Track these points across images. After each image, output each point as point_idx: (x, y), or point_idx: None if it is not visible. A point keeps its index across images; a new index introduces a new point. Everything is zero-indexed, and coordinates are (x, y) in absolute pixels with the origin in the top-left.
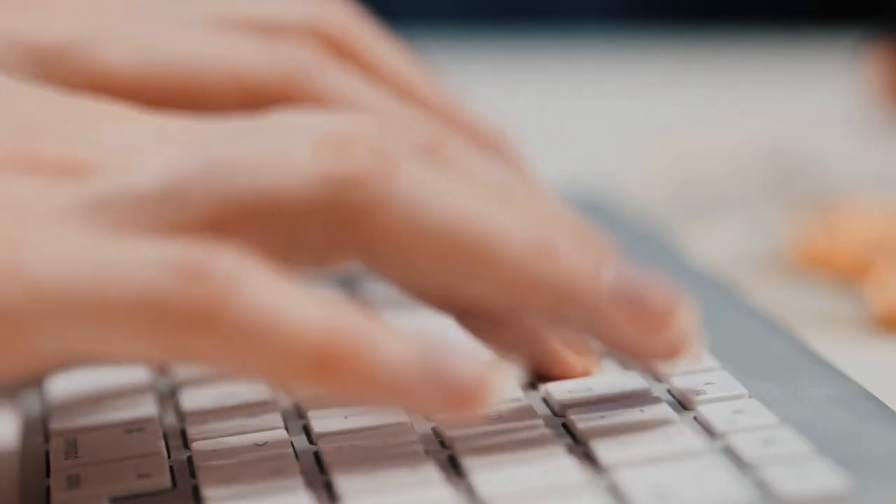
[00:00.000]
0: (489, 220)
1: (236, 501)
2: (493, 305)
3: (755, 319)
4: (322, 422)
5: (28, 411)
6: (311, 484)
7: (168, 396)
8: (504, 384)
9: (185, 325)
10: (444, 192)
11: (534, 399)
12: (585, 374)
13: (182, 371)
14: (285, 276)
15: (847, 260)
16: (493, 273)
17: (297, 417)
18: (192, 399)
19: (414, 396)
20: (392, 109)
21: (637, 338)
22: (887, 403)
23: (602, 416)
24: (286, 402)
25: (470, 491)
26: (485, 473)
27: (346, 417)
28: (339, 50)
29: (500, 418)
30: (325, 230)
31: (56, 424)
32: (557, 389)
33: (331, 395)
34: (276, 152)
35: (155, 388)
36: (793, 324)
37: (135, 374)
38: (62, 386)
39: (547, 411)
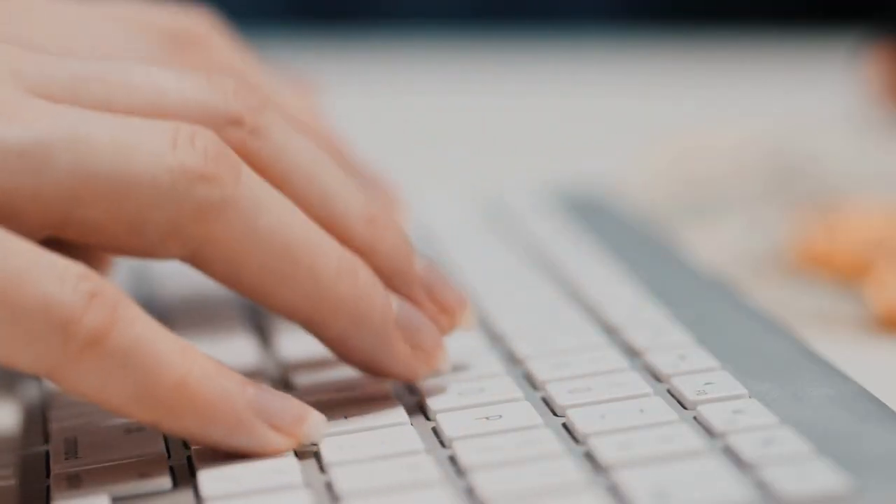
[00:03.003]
0: (310, 237)
1: (236, 501)
2: (297, 318)
3: (755, 319)
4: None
5: (28, 411)
6: (311, 484)
7: None
8: (321, 425)
9: (78, 339)
10: (277, 204)
11: (534, 399)
12: (436, 373)
13: None
14: (146, 313)
15: (847, 260)
16: (305, 289)
17: None
18: None
19: (245, 431)
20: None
21: (410, 362)
22: (887, 403)
23: (602, 416)
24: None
25: (470, 491)
26: (485, 473)
27: (346, 417)
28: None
29: (500, 418)
30: (168, 221)
31: (56, 424)
32: (558, 390)
33: (174, 428)
34: (141, 137)
35: None
36: (793, 324)
37: None
38: None
39: (547, 411)
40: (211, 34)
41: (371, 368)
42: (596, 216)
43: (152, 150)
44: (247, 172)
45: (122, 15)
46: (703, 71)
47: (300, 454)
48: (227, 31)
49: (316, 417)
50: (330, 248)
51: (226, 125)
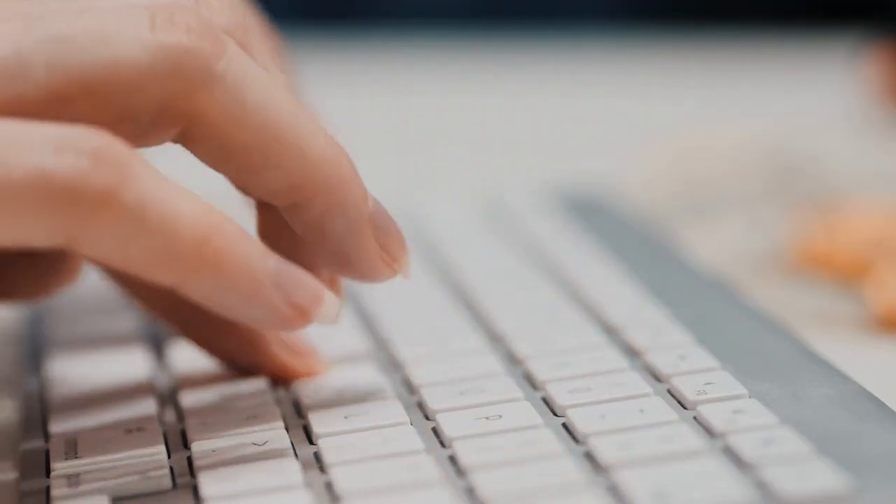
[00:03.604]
0: (298, 118)
1: (236, 501)
2: (278, 199)
3: (755, 319)
4: (322, 422)
5: (28, 411)
6: (311, 484)
7: (168, 396)
8: (335, 306)
9: (85, 203)
10: (264, 81)
11: (534, 399)
12: (310, 374)
13: (183, 371)
14: (163, 173)
15: (847, 260)
16: (292, 169)
17: (297, 417)
18: (192, 399)
19: (262, 301)
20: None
21: (377, 260)
22: (887, 403)
23: (602, 416)
24: (286, 402)
25: (470, 491)
26: (485, 473)
27: (346, 417)
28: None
29: (500, 418)
30: (156, 102)
31: (56, 424)
32: (558, 390)
33: (193, 290)
34: (115, 24)
35: (155, 387)
36: (793, 324)
37: (135, 374)
38: (62, 385)
39: (547, 411)
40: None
41: (340, 259)
42: (596, 216)
43: (130, 33)
44: (232, 47)
45: None
46: (703, 71)
47: (299, 454)
48: (263, 27)
49: (331, 299)
50: (317, 129)
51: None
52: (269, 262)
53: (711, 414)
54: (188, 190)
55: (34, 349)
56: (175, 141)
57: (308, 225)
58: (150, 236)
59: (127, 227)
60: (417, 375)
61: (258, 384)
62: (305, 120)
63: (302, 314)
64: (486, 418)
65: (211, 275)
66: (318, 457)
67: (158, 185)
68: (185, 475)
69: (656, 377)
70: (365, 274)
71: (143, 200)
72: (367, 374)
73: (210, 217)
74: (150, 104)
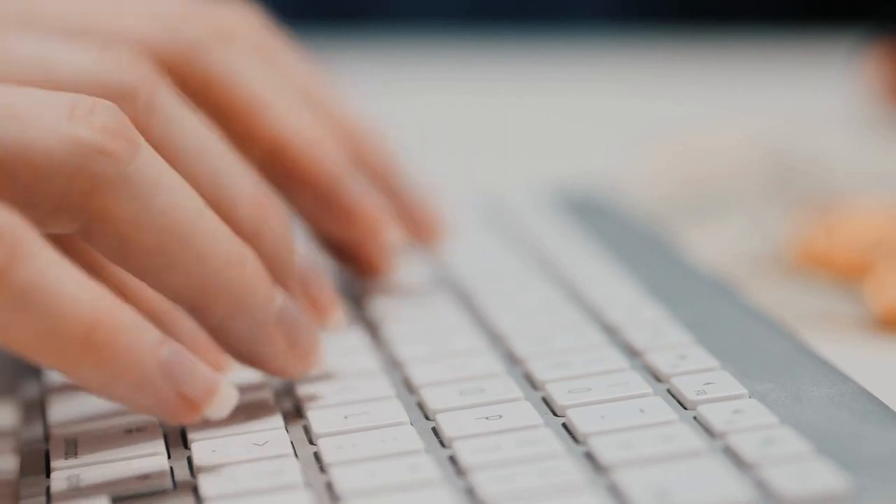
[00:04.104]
0: (203, 222)
1: (236, 501)
2: (180, 301)
3: (755, 319)
4: (322, 422)
5: (28, 411)
6: (311, 484)
7: None
8: (230, 400)
9: None
10: (173, 183)
11: (534, 399)
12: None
13: None
14: (60, 253)
15: (847, 260)
16: (192, 273)
17: (297, 417)
18: None
19: (150, 392)
20: None
21: (286, 359)
22: (887, 403)
23: (602, 416)
24: (286, 402)
25: (470, 491)
26: (485, 473)
27: (346, 417)
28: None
29: (500, 418)
30: (60, 193)
31: (56, 424)
32: (558, 390)
33: (78, 377)
34: (35, 108)
35: None
36: (793, 324)
37: None
38: (62, 386)
39: (547, 411)
40: (251, 31)
41: (247, 360)
42: (596, 216)
43: (48, 120)
44: (145, 149)
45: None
46: (703, 71)
47: (299, 454)
48: (273, 29)
49: (226, 392)
50: (221, 234)
51: (119, 99)
52: (161, 351)
53: (711, 414)
54: (82, 275)
55: None
56: (75, 234)
57: (212, 327)
58: (34, 320)
59: (10, 307)
60: (417, 375)
61: (258, 384)
62: (209, 223)
63: (192, 407)
64: (486, 418)
65: (96, 363)
66: (318, 457)
67: (52, 267)
68: (185, 475)
69: (656, 377)
70: (275, 373)
71: (31, 282)
72: (367, 374)
73: (100, 305)
74: (54, 194)
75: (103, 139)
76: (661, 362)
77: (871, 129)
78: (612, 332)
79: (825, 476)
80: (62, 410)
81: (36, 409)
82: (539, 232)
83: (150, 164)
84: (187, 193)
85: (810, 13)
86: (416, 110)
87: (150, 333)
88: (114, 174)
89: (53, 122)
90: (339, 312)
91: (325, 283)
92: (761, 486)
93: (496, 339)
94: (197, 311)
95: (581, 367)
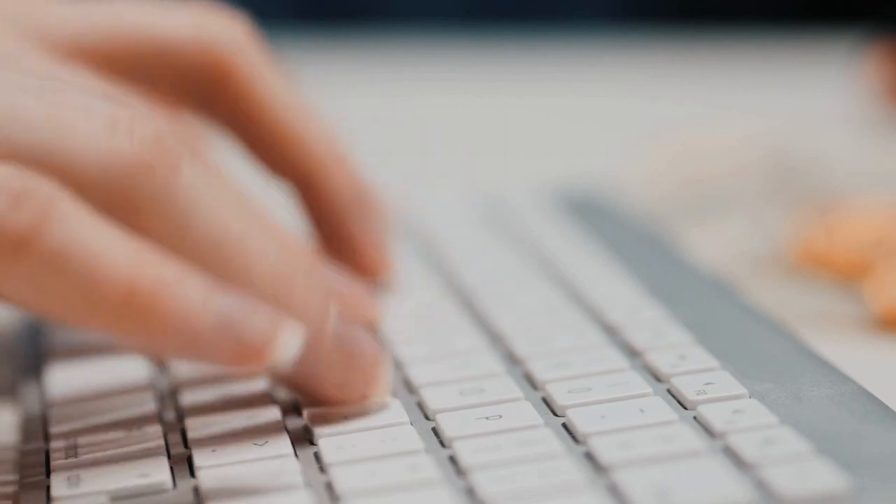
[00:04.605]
0: (247, 236)
1: (236, 501)
2: None
3: (755, 319)
4: (322, 422)
5: (28, 411)
6: (311, 484)
7: (168, 396)
8: (291, 344)
9: (1, 243)
10: (214, 199)
11: (534, 399)
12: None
13: (182, 371)
14: (96, 214)
15: (847, 260)
16: (239, 283)
17: (297, 417)
18: (192, 398)
19: (203, 345)
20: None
21: (340, 376)
22: (887, 403)
23: (602, 416)
24: (286, 402)
25: (470, 491)
26: (485, 473)
27: (346, 417)
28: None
29: (500, 418)
30: (101, 206)
31: (56, 424)
32: (558, 390)
33: (125, 337)
34: (76, 119)
35: (155, 387)
36: (793, 324)
37: (135, 374)
38: (62, 386)
39: (547, 411)
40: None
41: (301, 382)
42: (596, 216)
43: (87, 133)
44: (187, 163)
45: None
46: (704, 70)
47: (299, 454)
48: (260, 42)
49: (288, 335)
50: (269, 244)
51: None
52: (210, 302)
53: (711, 414)
54: (119, 232)
55: (35, 349)
56: None
57: None
58: (70, 284)
59: (45, 273)
60: (417, 375)
61: (258, 384)
62: (256, 235)
63: (254, 354)
64: (486, 418)
65: (140, 323)
66: (318, 457)
67: (85, 228)
68: (185, 475)
69: (656, 377)
70: (333, 397)
71: (63, 245)
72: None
73: (139, 261)
74: (95, 206)
75: (144, 153)
76: (661, 362)
77: (871, 129)
78: (612, 332)
79: (825, 476)
80: (62, 410)
81: (36, 409)
82: (539, 232)
83: (192, 177)
84: (232, 207)
85: (810, 13)
86: (416, 110)
87: (198, 284)
88: (153, 190)
89: (94, 134)
90: (379, 374)
91: (369, 349)
92: (761, 486)
93: (496, 339)
94: None
95: (581, 367)
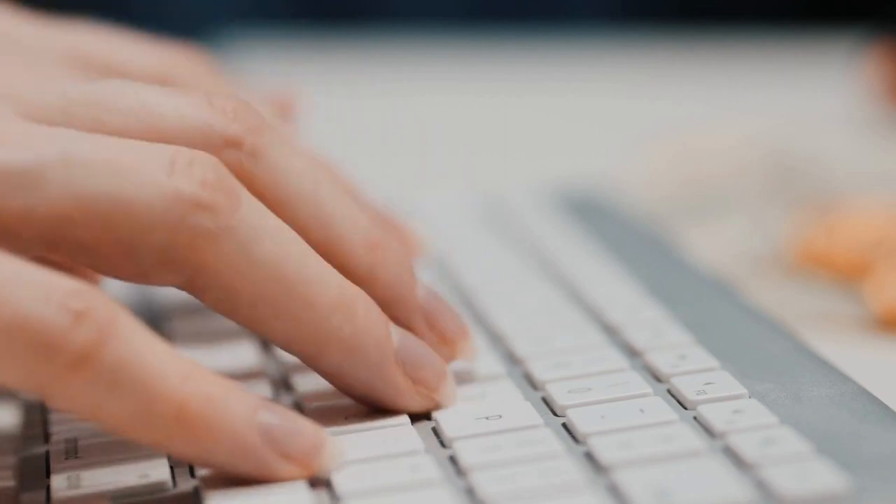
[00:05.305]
0: (307, 269)
1: (236, 501)
2: (292, 350)
3: (755, 319)
4: (323, 422)
5: (28, 412)
6: (311, 484)
7: None
8: (339, 453)
9: (61, 359)
10: (276, 231)
11: (534, 399)
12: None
13: None
14: (149, 330)
15: (847, 260)
16: (301, 321)
17: None
18: None
19: (251, 459)
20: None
21: (411, 396)
22: (887, 403)
23: (602, 416)
24: (287, 402)
25: (470, 491)
26: (485, 473)
27: (346, 418)
28: None
29: (500, 418)
30: (162, 247)
31: (56, 424)
32: (558, 390)
33: (175, 452)
34: (136, 161)
35: None
36: (793, 324)
37: None
38: None
39: (547, 411)
40: (197, 72)
41: (370, 401)
42: (596, 216)
43: (148, 174)
44: (246, 200)
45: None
46: (704, 70)
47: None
48: (216, 67)
49: (332, 447)
50: (328, 279)
51: (224, 147)
52: (257, 418)
53: (711, 414)
54: (170, 348)
55: None
56: (180, 287)
57: (328, 373)
58: (125, 401)
59: (101, 389)
60: None
61: (258, 384)
62: (315, 269)
63: (300, 467)
64: (486, 418)
65: (192, 438)
66: None
67: (141, 347)
68: (186, 475)
69: (656, 377)
70: (400, 410)
71: (121, 364)
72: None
73: (189, 379)
74: (156, 248)
75: (203, 192)
76: (661, 362)
77: (871, 129)
78: (612, 332)
79: (825, 476)
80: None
81: (36, 409)
82: (539, 232)
83: (252, 214)
84: (291, 241)
85: (810, 13)
86: (416, 110)
87: (245, 400)
88: (214, 227)
89: (153, 175)
90: (469, 342)
91: (452, 314)
92: (761, 486)
93: (496, 339)
94: (311, 359)
95: (581, 367)
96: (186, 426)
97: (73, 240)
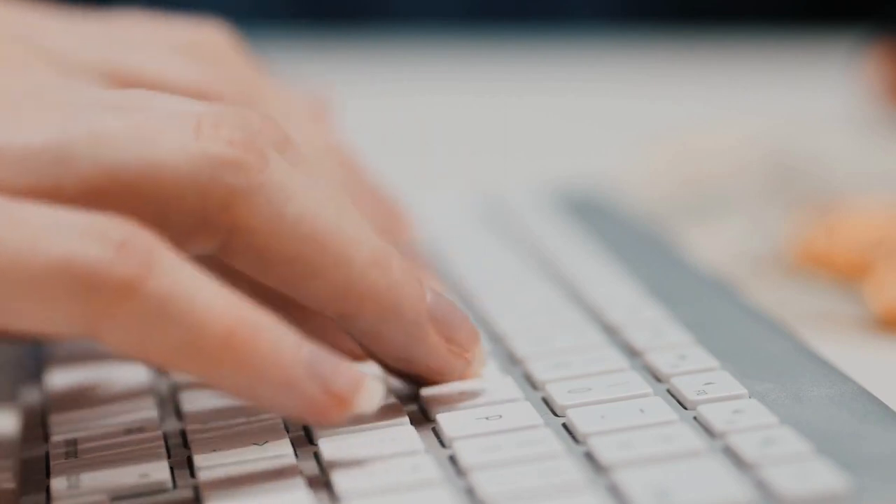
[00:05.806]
0: (341, 226)
1: (236, 501)
2: (328, 310)
3: (755, 319)
4: None
5: (28, 412)
6: (310, 484)
7: (168, 397)
8: (377, 393)
9: (106, 292)
10: (306, 191)
11: (534, 399)
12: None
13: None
14: (191, 263)
15: (847, 260)
16: (335, 277)
17: (296, 417)
18: (192, 400)
19: (295, 390)
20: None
21: (446, 356)
22: (887, 403)
23: (602, 416)
24: None
25: (470, 491)
26: (485, 473)
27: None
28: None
29: (500, 418)
30: (194, 211)
31: (56, 425)
32: (558, 390)
33: (221, 383)
34: (161, 127)
35: (155, 388)
36: (793, 324)
37: (135, 375)
38: (63, 387)
39: (547, 411)
40: (225, 49)
41: (405, 365)
42: (596, 216)
43: (175, 139)
44: (274, 159)
45: (136, 32)
46: (704, 70)
47: (299, 454)
48: (242, 45)
49: (372, 386)
50: (362, 235)
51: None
52: (302, 351)
53: (711, 414)
54: (216, 282)
55: (35, 350)
56: (215, 253)
57: (364, 333)
58: (173, 330)
59: (149, 319)
60: None
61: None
62: (349, 226)
63: (341, 403)
64: (486, 418)
65: (238, 368)
66: (318, 457)
67: (185, 276)
68: (185, 475)
69: (656, 377)
70: (434, 372)
71: (166, 292)
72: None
73: (236, 309)
74: (188, 213)
75: (231, 151)
76: (661, 362)
77: (871, 129)
78: (612, 332)
79: (825, 476)
80: (62, 411)
81: (36, 409)
82: (539, 232)
83: (282, 171)
84: (323, 198)
85: (810, 13)
86: (416, 110)
87: (290, 334)
88: (246, 185)
89: (180, 140)
90: (480, 347)
91: (463, 319)
92: (761, 486)
93: (496, 339)
94: (346, 318)
95: (581, 367)
96: (234, 354)
97: (104, 212)
